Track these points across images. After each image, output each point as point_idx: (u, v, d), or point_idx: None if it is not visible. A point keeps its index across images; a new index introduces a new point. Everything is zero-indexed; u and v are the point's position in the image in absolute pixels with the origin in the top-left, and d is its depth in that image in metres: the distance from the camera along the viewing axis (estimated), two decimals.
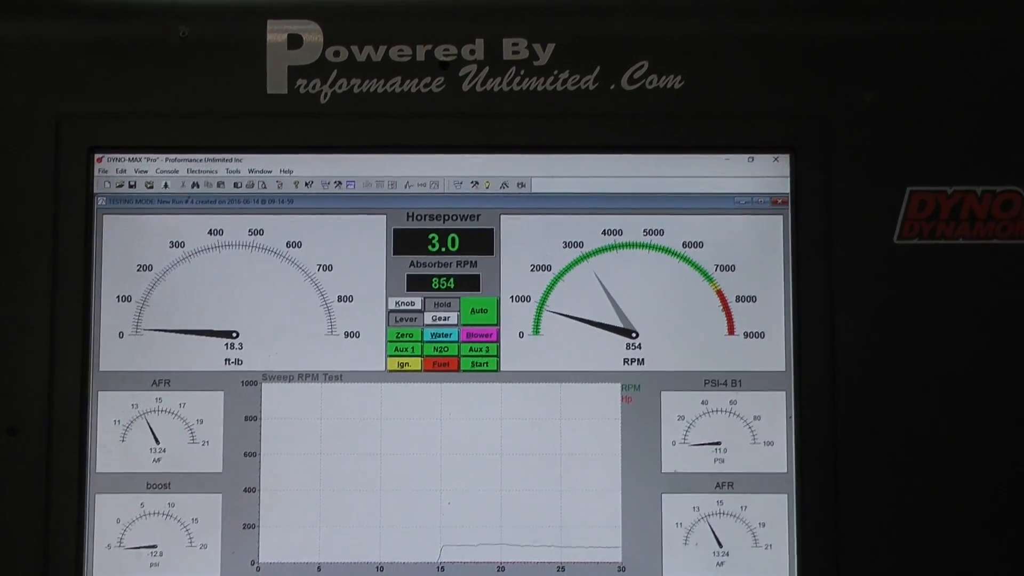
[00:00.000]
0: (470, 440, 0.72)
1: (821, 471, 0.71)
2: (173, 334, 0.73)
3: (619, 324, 0.73)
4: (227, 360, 0.73)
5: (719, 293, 0.74)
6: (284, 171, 0.74)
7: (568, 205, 0.74)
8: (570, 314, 0.73)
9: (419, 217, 0.74)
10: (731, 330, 0.73)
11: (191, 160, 0.74)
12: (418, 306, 0.73)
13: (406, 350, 0.73)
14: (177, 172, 0.74)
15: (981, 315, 0.72)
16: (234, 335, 0.73)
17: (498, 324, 0.73)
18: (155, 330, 0.73)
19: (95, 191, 0.73)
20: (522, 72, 0.74)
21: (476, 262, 0.74)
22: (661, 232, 0.74)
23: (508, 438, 0.72)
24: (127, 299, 0.73)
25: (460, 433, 0.72)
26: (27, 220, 0.72)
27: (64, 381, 0.71)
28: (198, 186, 0.74)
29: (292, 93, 0.74)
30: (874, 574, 0.71)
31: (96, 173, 0.74)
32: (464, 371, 0.73)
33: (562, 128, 0.73)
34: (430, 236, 0.74)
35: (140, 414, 0.72)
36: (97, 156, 0.74)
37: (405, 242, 0.74)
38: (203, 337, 0.73)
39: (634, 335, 0.73)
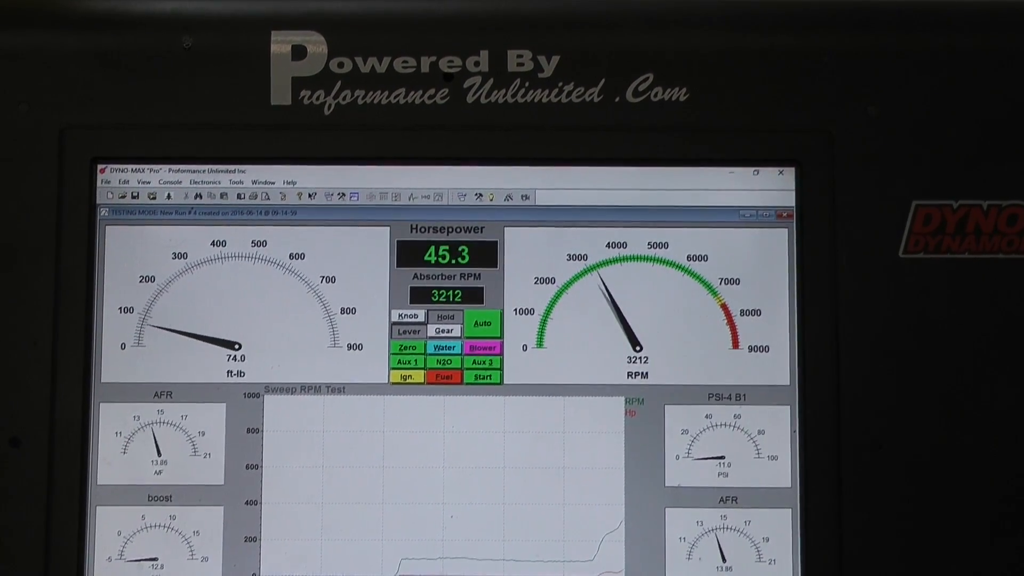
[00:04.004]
0: (473, 453, 0.72)
1: (825, 486, 0.71)
2: (177, 337, 0.72)
3: (623, 338, 0.73)
4: (229, 372, 0.73)
5: (723, 306, 0.73)
6: (287, 182, 0.74)
7: (572, 217, 0.74)
8: (575, 325, 0.73)
9: (423, 229, 0.74)
10: (735, 344, 0.73)
11: (194, 171, 0.74)
12: (421, 318, 0.73)
13: (409, 363, 0.73)
14: (180, 183, 0.74)
15: (987, 330, 0.72)
16: (236, 347, 0.73)
17: (501, 337, 0.73)
18: (159, 327, 0.72)
19: (98, 202, 0.73)
20: (527, 84, 0.74)
21: (480, 274, 0.73)
22: (666, 245, 0.74)
23: (511, 451, 0.72)
24: (129, 310, 0.73)
25: (463, 446, 0.72)
26: (30, 231, 0.72)
27: (66, 393, 0.71)
28: (201, 197, 0.74)
29: (296, 104, 0.73)
30: None
31: (99, 184, 0.73)
32: (467, 384, 0.73)
33: (566, 140, 0.73)
34: (434, 248, 0.74)
35: (142, 426, 0.72)
36: (100, 167, 0.73)
37: (408, 254, 0.74)
38: (206, 348, 0.72)
39: (638, 348, 0.73)
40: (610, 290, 0.73)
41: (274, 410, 0.72)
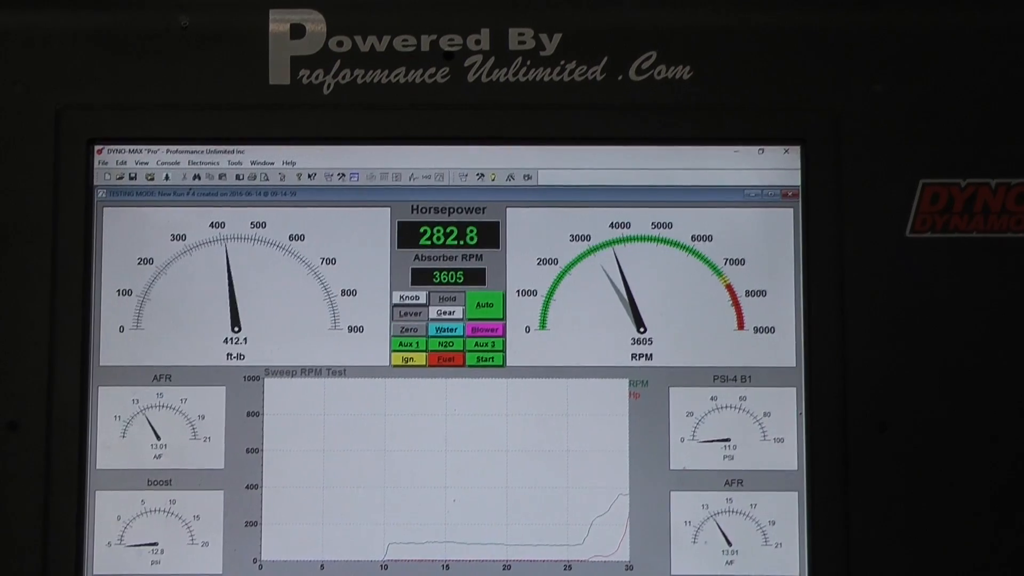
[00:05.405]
0: (475, 436, 0.72)
1: (831, 468, 0.70)
2: (175, 320, 0.72)
3: (628, 319, 0.72)
4: (229, 355, 0.72)
5: (728, 287, 0.73)
6: (287, 163, 0.73)
7: (575, 198, 0.73)
8: (578, 307, 0.72)
9: (424, 210, 0.73)
10: (740, 325, 0.72)
11: (192, 152, 0.73)
12: (423, 300, 0.73)
13: (410, 345, 0.72)
14: (178, 164, 0.73)
15: (994, 310, 0.71)
16: (236, 329, 0.72)
17: (504, 318, 0.72)
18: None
19: (95, 183, 0.73)
20: (528, 63, 0.73)
21: (482, 255, 0.73)
22: (670, 225, 0.73)
23: (514, 434, 0.72)
24: (127, 293, 0.72)
25: (465, 429, 0.72)
26: (27, 213, 0.71)
27: (64, 376, 0.70)
28: (199, 178, 0.73)
29: (295, 84, 0.73)
30: (885, 572, 0.70)
31: (96, 165, 0.73)
32: (469, 366, 0.72)
33: (569, 119, 0.73)
34: (435, 229, 0.73)
35: (141, 409, 0.71)
36: (97, 148, 0.73)
37: (409, 235, 0.73)
38: (205, 331, 0.72)
39: (642, 329, 0.72)
40: (614, 270, 0.72)
41: (274, 393, 0.72)
